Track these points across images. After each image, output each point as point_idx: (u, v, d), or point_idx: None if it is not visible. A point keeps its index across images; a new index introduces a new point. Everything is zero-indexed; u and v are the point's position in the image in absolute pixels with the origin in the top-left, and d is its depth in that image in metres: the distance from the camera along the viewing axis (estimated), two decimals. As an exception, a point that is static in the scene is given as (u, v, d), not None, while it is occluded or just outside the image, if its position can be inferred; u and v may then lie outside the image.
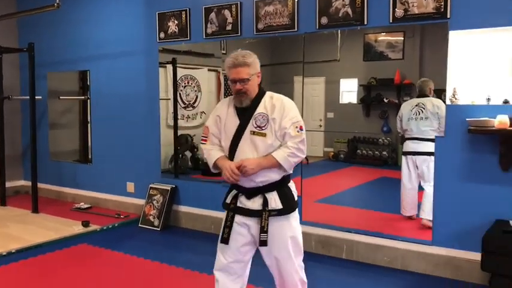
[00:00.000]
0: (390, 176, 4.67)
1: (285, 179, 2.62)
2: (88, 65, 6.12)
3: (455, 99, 3.73)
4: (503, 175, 3.53)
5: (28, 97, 5.83)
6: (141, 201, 5.61)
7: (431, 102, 4.11)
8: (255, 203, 2.56)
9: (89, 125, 6.41)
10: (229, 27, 4.85)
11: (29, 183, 6.67)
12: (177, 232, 5.18)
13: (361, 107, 4.88)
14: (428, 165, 4.17)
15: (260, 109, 2.55)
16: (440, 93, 3.88)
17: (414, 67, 4.44)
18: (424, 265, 3.90)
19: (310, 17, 4.36)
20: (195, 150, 5.78)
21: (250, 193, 2.58)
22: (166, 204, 5.29)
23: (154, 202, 5.39)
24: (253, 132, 2.53)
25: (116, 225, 5.30)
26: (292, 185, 2.68)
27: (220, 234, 2.66)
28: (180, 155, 5.73)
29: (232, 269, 2.67)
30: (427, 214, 4.04)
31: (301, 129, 2.54)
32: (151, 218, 5.34)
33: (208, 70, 5.62)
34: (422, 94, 4.17)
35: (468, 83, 3.75)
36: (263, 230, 2.51)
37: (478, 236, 3.31)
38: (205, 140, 2.72)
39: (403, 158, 4.39)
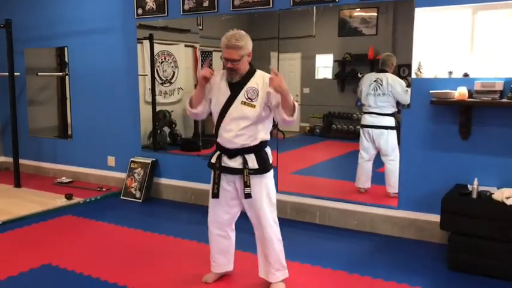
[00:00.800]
0: (363, 149, 4.82)
1: (262, 144, 2.99)
2: (66, 41, 6.17)
3: (420, 73, 3.97)
4: (463, 143, 3.82)
5: (6, 73, 5.87)
6: (122, 175, 5.77)
7: (387, 80, 4.33)
8: (236, 162, 2.95)
9: (67, 101, 6.49)
10: (206, 4, 4.98)
11: (8, 159, 6.79)
12: (159, 203, 5.38)
13: (336, 83, 5.04)
14: (386, 139, 4.41)
15: (252, 84, 2.92)
16: (411, 67, 4.08)
17: (387, 43, 4.56)
18: (390, 227, 4.20)
19: (285, -7, 4.52)
20: (173, 126, 5.90)
21: (232, 154, 2.95)
22: (147, 177, 5.47)
23: (135, 175, 5.56)
24: (244, 103, 2.90)
25: (99, 197, 5.46)
26: (268, 150, 3.05)
27: (211, 190, 3.07)
28: (159, 131, 5.86)
29: (222, 219, 3.14)
30: (392, 188, 4.29)
31: (295, 101, 2.90)
32: (132, 190, 5.52)
33: (185, 46, 5.69)
34: (383, 69, 4.39)
35: (432, 58, 3.98)
36: (246, 184, 2.91)
37: (440, 200, 3.57)
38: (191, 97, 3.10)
39: (361, 130, 4.61)
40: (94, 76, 5.95)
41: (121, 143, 5.84)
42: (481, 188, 3.54)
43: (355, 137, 5.03)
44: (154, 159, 5.57)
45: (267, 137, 3.03)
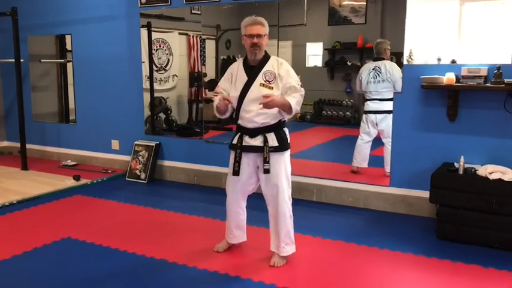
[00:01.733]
0: (353, 134, 5.04)
1: (281, 124, 3.27)
2: (69, 29, 6.35)
3: (411, 59, 4.27)
4: (450, 125, 4.15)
5: (12, 60, 6.05)
6: (126, 158, 6.01)
7: (385, 67, 4.62)
8: (257, 141, 3.21)
9: (69, 87, 6.68)
10: (208, -7, 5.20)
11: (11, 144, 7.00)
12: (163, 184, 5.65)
13: (326, 70, 5.30)
14: (388, 122, 4.71)
15: (268, 67, 3.20)
16: (399, 55, 4.35)
17: (376, 31, 4.78)
18: (382, 203, 4.53)
19: (284, -16, 4.77)
20: (169, 112, 6.12)
21: (253, 133, 3.22)
22: (151, 159, 5.73)
23: (139, 157, 5.81)
24: (263, 85, 3.18)
25: (105, 179, 5.71)
26: (286, 129, 3.32)
27: (231, 168, 3.31)
28: (155, 117, 6.06)
29: (239, 196, 3.41)
30: (389, 167, 4.58)
31: (301, 86, 3.22)
32: (137, 172, 5.77)
33: (179, 34, 5.89)
34: (379, 56, 4.67)
35: (422, 45, 4.28)
36: (265, 160, 3.17)
37: (429, 177, 3.89)
38: (215, 96, 3.32)
39: (364, 116, 4.88)
40: (98, 63, 6.15)
41: (125, 127, 6.07)
42: (467, 165, 3.86)
43: (344, 122, 5.30)
44: (158, 143, 5.82)
45: (286, 116, 3.26)
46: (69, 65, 6.55)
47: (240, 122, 3.28)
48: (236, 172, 3.28)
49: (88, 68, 6.28)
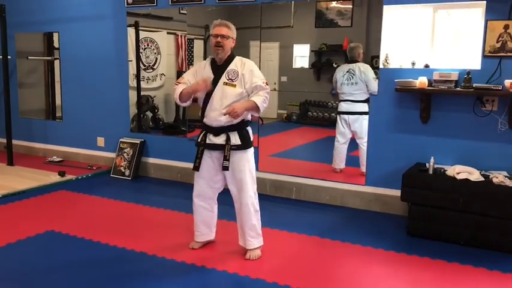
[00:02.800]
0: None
1: (244, 123, 3.41)
2: (57, 27, 6.44)
3: (387, 63, 4.43)
4: (423, 126, 4.32)
5: (-1, 57, 6.14)
6: (111, 155, 6.13)
7: (359, 69, 4.78)
8: (220, 139, 3.35)
9: (56, 84, 6.76)
10: (193, -5, 5.34)
11: (-1, 140, 7.04)
12: (147, 181, 5.77)
13: (312, 72, 5.41)
14: (360, 123, 4.87)
15: (232, 66, 3.34)
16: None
17: (361, 34, 4.89)
18: (358, 201, 4.70)
19: (267, -12, 4.91)
20: (156, 110, 6.22)
21: (217, 131, 3.35)
22: (136, 156, 5.84)
23: (124, 154, 5.93)
24: (226, 83, 3.31)
25: (90, 175, 5.81)
26: (249, 129, 3.46)
27: (205, 167, 3.44)
28: (142, 115, 6.16)
29: (205, 192, 3.53)
30: (365, 167, 4.74)
31: (266, 84, 3.34)
32: (122, 168, 5.89)
33: (167, 33, 5.99)
34: (353, 59, 4.84)
35: (398, 50, 4.44)
36: (225, 158, 3.32)
37: (401, 177, 4.07)
38: (176, 85, 3.46)
39: (338, 117, 5.04)
40: (85, 60, 6.25)
41: (110, 124, 6.17)
42: (437, 166, 4.04)
43: (329, 124, 5.41)
44: (143, 140, 5.94)
45: (248, 116, 3.43)
46: (57, 63, 6.64)
47: (205, 120, 3.39)
48: (196, 168, 3.44)
49: (75, 66, 6.37)
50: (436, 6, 4.24)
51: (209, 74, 3.36)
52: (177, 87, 3.43)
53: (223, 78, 3.33)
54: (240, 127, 3.38)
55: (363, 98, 4.78)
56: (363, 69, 4.74)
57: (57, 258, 3.45)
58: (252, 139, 3.46)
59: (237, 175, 3.39)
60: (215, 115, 3.33)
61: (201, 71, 3.45)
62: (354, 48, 4.81)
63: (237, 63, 3.37)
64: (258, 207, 3.49)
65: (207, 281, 3.14)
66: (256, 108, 3.28)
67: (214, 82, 3.33)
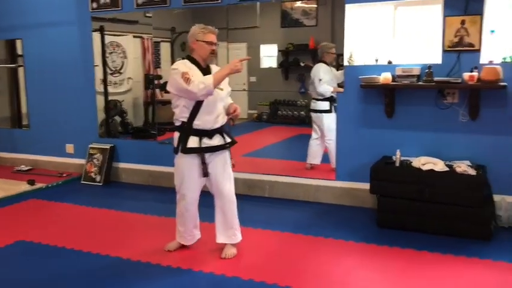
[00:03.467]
0: (307, 133, 5.27)
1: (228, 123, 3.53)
2: (21, 34, 6.33)
3: (352, 61, 4.55)
4: (388, 121, 4.45)
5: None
6: (81, 161, 6.06)
7: (314, 69, 4.92)
8: (215, 140, 3.40)
9: (21, 92, 6.64)
10: (158, -2, 5.33)
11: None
12: (119, 186, 5.73)
13: (280, 71, 5.50)
14: (321, 121, 5.00)
15: (215, 70, 3.40)
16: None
17: (326, 33, 5.01)
18: (329, 196, 4.79)
19: (232, -10, 4.96)
20: (124, 115, 6.18)
21: (211, 134, 3.38)
22: (106, 162, 5.80)
23: (94, 160, 5.87)
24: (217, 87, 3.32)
25: (60, 182, 5.74)
26: None
27: (194, 172, 3.40)
28: (110, 120, 6.11)
29: (197, 196, 3.55)
30: (334, 164, 4.85)
31: None
32: (92, 174, 5.83)
33: (133, 37, 5.98)
34: (321, 59, 4.95)
35: (362, 47, 4.57)
36: (230, 157, 3.47)
37: (370, 170, 4.19)
38: (190, 77, 3.17)
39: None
40: (50, 67, 6.16)
41: (79, 130, 6.11)
42: (403, 158, 4.17)
43: (299, 122, 5.52)
44: (113, 145, 5.90)
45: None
46: (21, 70, 6.52)
47: (197, 124, 3.31)
48: (206, 174, 3.39)
49: (40, 73, 6.28)
50: (397, 3, 4.38)
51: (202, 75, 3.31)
52: (201, 79, 3.19)
53: None
54: (224, 127, 3.49)
55: (321, 97, 4.90)
56: (314, 69, 4.91)
57: (30, 268, 3.41)
58: None
59: (224, 172, 3.47)
60: (211, 118, 3.34)
61: (193, 71, 3.33)
62: (321, 48, 4.94)
63: (216, 68, 3.45)
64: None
65: (183, 282, 3.17)
66: None
67: None
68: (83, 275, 3.28)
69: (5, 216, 4.59)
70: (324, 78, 4.87)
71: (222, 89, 3.38)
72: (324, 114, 4.90)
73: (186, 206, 3.52)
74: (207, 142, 3.37)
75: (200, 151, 3.36)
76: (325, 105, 4.83)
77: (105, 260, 3.49)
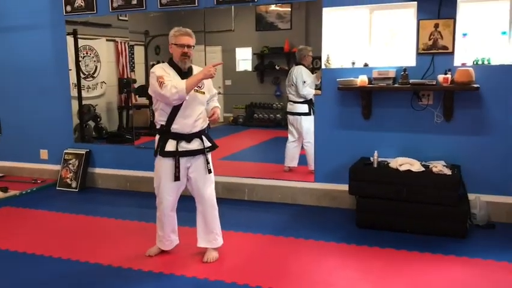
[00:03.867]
0: (283, 135, 5.30)
1: (207, 127, 3.50)
2: (-10, 37, 6.19)
3: (329, 64, 4.60)
4: (365, 122, 4.52)
5: None
6: (56, 167, 5.95)
7: (294, 72, 4.98)
8: (193, 145, 3.38)
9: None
10: (134, 1, 5.27)
11: None
12: (95, 191, 5.64)
13: (256, 74, 5.52)
14: (300, 124, 5.04)
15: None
16: (321, 59, 4.62)
17: (301, 36, 5.05)
18: (308, 198, 4.83)
19: (209, -7, 4.95)
20: (98, 119, 6.09)
21: (190, 138, 3.36)
22: (82, 167, 5.70)
23: (70, 166, 5.77)
24: (196, 91, 3.33)
25: (34, 189, 5.61)
26: None
27: (169, 175, 3.37)
28: (84, 125, 6.02)
29: (175, 201, 3.53)
30: (311, 166, 4.91)
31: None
32: (68, 180, 5.73)
33: (107, 40, 5.90)
34: (299, 62, 5.00)
35: (339, 50, 4.63)
36: (207, 161, 3.40)
37: (348, 172, 4.25)
38: (164, 81, 3.18)
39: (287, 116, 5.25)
40: (23, 71, 6.03)
41: (53, 136, 5.99)
42: (381, 159, 4.24)
43: (275, 125, 5.55)
44: (88, 150, 5.81)
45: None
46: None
47: (175, 127, 3.32)
48: (178, 178, 3.37)
49: (12, 77, 6.13)
50: (372, 7, 4.45)
51: (179, 80, 3.27)
52: (174, 83, 3.17)
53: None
54: (205, 130, 3.48)
55: (300, 100, 4.95)
56: (295, 72, 4.96)
57: (7, 277, 3.32)
58: None
59: (203, 177, 3.44)
60: (190, 122, 3.33)
61: (171, 74, 3.31)
62: (299, 50, 4.99)
63: (196, 71, 3.39)
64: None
65: (165, 286, 3.14)
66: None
67: None
68: (64, 282, 3.22)
69: (-22, 224, 4.47)
70: (307, 81, 4.91)
71: (203, 92, 3.38)
72: (302, 116, 4.94)
73: (163, 210, 3.51)
74: (184, 146, 3.35)
75: (176, 155, 3.34)
76: (305, 107, 4.87)
77: (85, 267, 3.44)
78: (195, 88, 3.31)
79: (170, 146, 3.36)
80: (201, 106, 3.40)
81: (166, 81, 3.18)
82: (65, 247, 3.80)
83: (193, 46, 3.36)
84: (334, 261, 3.50)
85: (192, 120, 3.34)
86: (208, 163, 3.43)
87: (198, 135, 3.39)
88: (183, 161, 3.38)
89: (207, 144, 3.44)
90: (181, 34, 3.31)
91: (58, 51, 5.80)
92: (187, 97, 3.23)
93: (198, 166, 3.42)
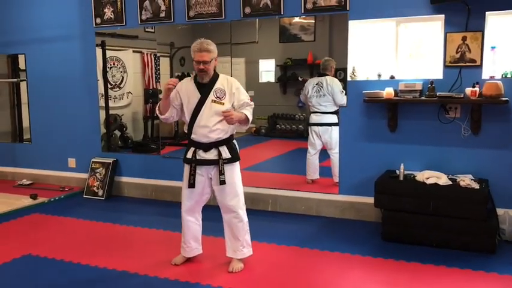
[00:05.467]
0: (305, 146, 5.28)
1: (231, 137, 3.51)
2: (23, 49, 6.36)
3: (354, 76, 4.61)
4: (391, 135, 4.50)
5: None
6: (83, 175, 6.06)
7: (327, 82, 4.95)
8: (211, 154, 3.42)
9: (23, 106, 6.65)
10: (162, 14, 5.39)
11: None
12: (121, 200, 5.73)
13: (278, 85, 5.56)
14: (330, 134, 5.01)
15: (218, 85, 3.43)
16: (346, 71, 4.64)
17: (324, 48, 5.07)
18: (333, 210, 4.82)
19: (235, 6, 5.00)
20: (124, 129, 6.20)
21: (207, 147, 3.42)
22: (108, 176, 5.80)
23: (97, 174, 5.88)
24: (214, 101, 3.40)
25: (62, 197, 5.73)
26: (235, 142, 3.56)
27: (186, 181, 3.49)
28: (111, 135, 6.12)
29: (194, 208, 3.59)
30: (337, 177, 4.87)
31: (251, 100, 3.51)
32: (95, 189, 5.83)
33: (133, 51, 6.03)
34: (324, 73, 5.00)
35: (364, 63, 4.64)
36: (221, 172, 3.40)
37: (373, 184, 4.20)
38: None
39: (309, 128, 5.18)
40: (53, 82, 6.18)
41: (81, 145, 6.11)
42: (407, 172, 4.21)
43: (298, 135, 5.55)
44: (115, 159, 5.91)
45: (234, 131, 3.56)
46: (23, 84, 6.54)
47: (193, 137, 3.45)
48: (192, 185, 3.47)
49: (43, 87, 6.30)
50: (399, 20, 4.45)
51: (195, 93, 3.43)
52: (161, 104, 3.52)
53: (211, 96, 3.40)
54: (228, 141, 3.47)
55: (332, 110, 4.95)
56: (330, 82, 4.92)
57: (38, 282, 3.40)
58: (238, 152, 3.56)
59: (228, 188, 3.46)
60: (205, 132, 3.39)
61: (184, 91, 3.48)
62: (327, 61, 4.98)
63: (223, 82, 3.46)
64: (246, 218, 3.59)
65: (192, 295, 3.17)
66: (246, 119, 3.44)
67: (202, 100, 3.41)
68: (91, 289, 3.28)
69: (10, 230, 4.58)
70: (343, 90, 4.87)
71: (222, 103, 3.40)
72: (333, 127, 4.92)
73: (182, 214, 3.61)
74: (202, 155, 3.43)
75: (191, 162, 3.44)
76: (335, 118, 4.85)
77: (112, 275, 3.49)
78: (213, 99, 3.39)
79: (190, 153, 3.49)
80: (218, 117, 3.39)
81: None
82: (92, 254, 3.87)
83: (213, 59, 3.40)
84: (360, 274, 3.48)
85: (207, 130, 3.39)
86: (222, 174, 3.42)
87: (215, 145, 3.42)
88: (203, 170, 3.46)
89: (226, 155, 3.45)
90: (197, 50, 3.36)
91: (87, 62, 5.94)
92: (204, 107, 3.37)
93: (217, 177, 3.45)
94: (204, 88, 3.43)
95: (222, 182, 3.43)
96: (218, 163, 3.43)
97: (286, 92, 5.54)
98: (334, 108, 4.91)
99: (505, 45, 4.14)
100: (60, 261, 3.73)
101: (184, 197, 3.58)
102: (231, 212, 3.52)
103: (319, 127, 5.09)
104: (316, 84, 5.03)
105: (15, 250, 3.97)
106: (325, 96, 4.99)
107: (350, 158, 4.70)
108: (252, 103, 3.52)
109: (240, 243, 3.54)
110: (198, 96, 3.42)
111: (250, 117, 3.48)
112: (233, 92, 3.45)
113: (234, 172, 3.49)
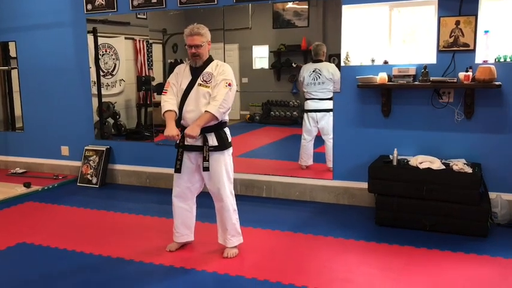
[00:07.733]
0: (300, 133, 5.28)
1: (221, 124, 3.45)
2: (14, 36, 6.29)
3: (348, 61, 4.59)
4: (385, 120, 4.51)
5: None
6: (76, 163, 6.04)
7: (327, 69, 4.91)
8: (198, 141, 3.38)
9: (15, 94, 6.59)
10: (154, 0, 5.34)
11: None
12: (115, 187, 5.72)
13: (272, 72, 5.53)
14: (327, 120, 5.01)
15: (208, 69, 3.39)
16: (340, 57, 4.61)
17: (318, 34, 5.04)
18: (327, 196, 4.84)
19: (228, -9, 4.97)
20: (117, 117, 6.17)
21: None
22: (102, 164, 5.79)
23: (90, 162, 5.86)
24: (200, 84, 3.36)
25: (56, 185, 5.71)
26: (227, 130, 3.51)
27: (174, 166, 3.46)
28: (104, 122, 6.09)
29: (185, 193, 3.56)
30: (331, 162, 4.88)
31: (229, 85, 3.35)
32: (89, 176, 5.82)
33: (125, 38, 5.97)
34: (317, 58, 4.97)
35: (358, 48, 4.62)
36: (205, 159, 3.37)
37: (367, 170, 4.23)
38: (165, 92, 3.48)
39: (305, 115, 5.15)
40: (45, 69, 6.13)
41: (74, 132, 6.08)
42: (400, 157, 4.22)
43: (292, 122, 5.55)
44: (109, 147, 5.89)
45: (226, 118, 3.47)
46: (14, 72, 6.48)
47: (182, 122, 3.44)
48: (178, 170, 3.47)
49: (35, 75, 6.24)
50: (392, 4, 4.43)
51: (188, 77, 3.43)
52: (163, 98, 3.46)
53: (199, 80, 3.39)
54: (217, 128, 3.42)
55: (329, 96, 4.93)
56: (332, 70, 4.86)
57: (33, 270, 3.40)
58: (230, 140, 3.51)
59: (214, 176, 3.44)
60: (191, 116, 3.37)
61: (181, 73, 3.49)
62: (318, 46, 4.93)
63: (213, 66, 3.43)
64: (235, 207, 3.56)
65: (187, 281, 3.18)
66: (213, 117, 3.30)
67: (191, 84, 3.39)
68: (86, 275, 3.29)
69: (4, 218, 4.56)
70: None
71: (208, 87, 3.34)
72: (330, 113, 4.89)
73: (172, 200, 3.59)
74: (189, 141, 3.39)
75: (179, 148, 3.45)
76: (331, 104, 4.84)
77: (108, 261, 3.49)
78: (199, 82, 3.38)
79: (180, 139, 3.47)
80: (204, 100, 3.35)
81: (168, 91, 3.46)
82: (87, 241, 3.87)
83: (205, 42, 3.38)
84: (354, 258, 3.50)
85: (194, 114, 3.36)
86: (206, 160, 3.37)
87: (202, 131, 3.32)
88: (192, 156, 3.45)
89: (212, 142, 3.39)
90: (188, 34, 3.36)
91: (79, 49, 5.88)
92: (192, 91, 3.37)
93: (212, 163, 3.42)
94: (197, 72, 3.42)
95: (205, 169, 3.39)
96: (200, 149, 3.40)
97: (280, 78, 5.51)
98: (331, 95, 4.90)
99: (498, 30, 4.14)
100: (54, 249, 3.73)
101: (174, 182, 3.59)
102: (218, 201, 3.51)
103: (317, 113, 5.06)
104: (313, 71, 4.99)
105: (9, 238, 3.96)
106: (324, 83, 4.95)
107: (344, 144, 4.71)
108: (229, 88, 3.33)
109: (227, 232, 3.53)
110: (190, 79, 3.42)
111: (218, 111, 3.28)
112: (216, 74, 3.39)
113: (221, 160, 3.43)
